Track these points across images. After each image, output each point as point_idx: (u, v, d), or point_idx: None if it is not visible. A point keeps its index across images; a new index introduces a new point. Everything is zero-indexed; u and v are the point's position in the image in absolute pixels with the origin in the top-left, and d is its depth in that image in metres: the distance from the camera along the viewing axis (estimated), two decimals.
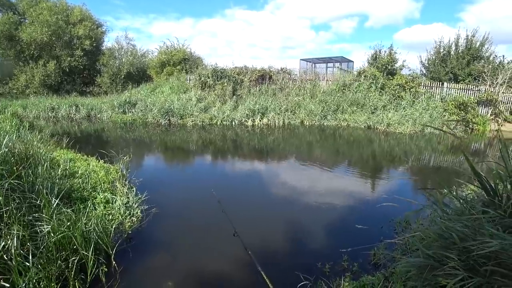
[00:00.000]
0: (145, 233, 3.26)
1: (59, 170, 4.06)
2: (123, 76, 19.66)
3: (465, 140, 11.01)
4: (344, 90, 14.48)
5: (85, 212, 2.90)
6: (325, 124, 12.75)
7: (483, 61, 15.67)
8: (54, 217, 2.59)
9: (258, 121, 12.63)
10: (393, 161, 7.58)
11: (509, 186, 2.26)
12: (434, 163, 7.61)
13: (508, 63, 14.80)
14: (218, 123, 12.31)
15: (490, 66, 14.37)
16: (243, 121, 12.59)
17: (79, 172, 4.38)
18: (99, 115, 14.06)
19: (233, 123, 12.45)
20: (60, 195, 3.03)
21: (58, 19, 18.12)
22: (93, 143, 8.72)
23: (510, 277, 1.63)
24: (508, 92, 14.19)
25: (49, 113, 14.31)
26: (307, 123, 12.82)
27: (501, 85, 13.86)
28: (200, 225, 3.56)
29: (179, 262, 2.82)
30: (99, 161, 5.37)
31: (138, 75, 20.49)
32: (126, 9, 66.52)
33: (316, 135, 10.74)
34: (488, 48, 16.11)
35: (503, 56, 15.66)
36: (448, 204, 2.77)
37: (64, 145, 6.17)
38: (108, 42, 23.84)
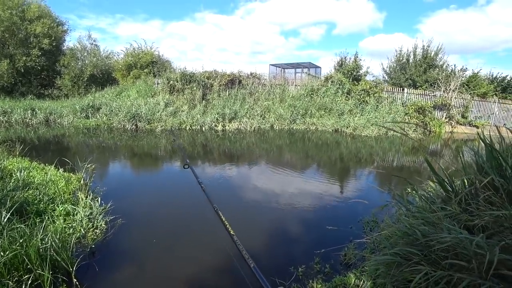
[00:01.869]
0: (110, 246, 3.06)
1: (12, 181, 3.71)
2: (86, 79, 18.52)
3: (423, 141, 11.83)
4: (312, 95, 14.91)
5: (41, 227, 2.65)
6: (294, 128, 13.02)
7: (437, 69, 17.05)
8: (5, 233, 2.34)
9: (228, 125, 12.57)
10: (360, 163, 7.92)
11: (464, 183, 2.46)
12: (397, 163, 8.07)
13: (458, 71, 16.23)
14: (188, 128, 12.05)
15: (444, 74, 15.68)
16: (213, 125, 12.46)
17: (35, 182, 4.03)
18: (59, 120, 13.11)
19: (203, 128, 12.26)
20: (13, 209, 2.75)
21: (12, 14, 16.66)
22: (52, 150, 8.10)
23: (467, 268, 1.76)
24: (460, 97, 15.54)
25: (0, 117, 13.08)
26: (277, 127, 13.00)
27: (453, 91, 15.15)
28: (169, 234, 3.42)
29: (147, 274, 2.67)
30: (58, 169, 4.98)
31: (102, 78, 19.43)
32: (91, 8, 62.73)
33: (286, 139, 10.92)
34: (441, 57, 17.59)
35: (454, 65, 17.17)
36: (411, 202, 2.95)
37: (17, 153, 5.66)
38: (70, 42, 22.34)
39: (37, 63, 17.83)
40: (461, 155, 2.49)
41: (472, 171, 2.35)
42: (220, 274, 2.66)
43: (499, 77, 18.77)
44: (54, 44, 18.45)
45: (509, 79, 18.50)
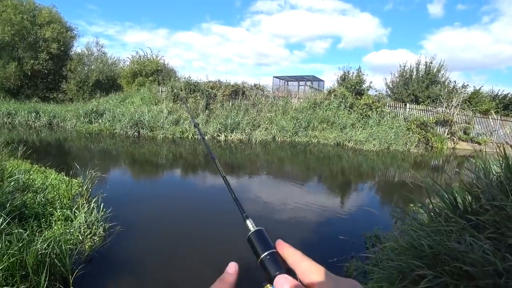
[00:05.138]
0: (109, 253, 3.01)
1: (11, 183, 3.69)
2: (91, 84, 18.77)
3: (425, 157, 11.78)
4: (315, 108, 14.98)
5: (40, 231, 2.62)
6: (296, 140, 13.02)
7: (439, 85, 17.16)
8: (3, 238, 2.31)
9: (231, 136, 12.59)
10: (361, 177, 7.87)
11: (469, 198, 2.44)
12: (399, 178, 8.02)
13: (460, 88, 16.33)
14: (190, 137, 12.08)
15: (446, 90, 15.77)
16: (215, 135, 12.48)
17: (35, 185, 4.01)
18: (62, 124, 13.19)
19: (206, 137, 12.25)
20: (13, 213, 2.73)
21: (24, 18, 17.05)
22: (54, 153, 8.10)
23: (472, 276, 1.72)
24: (462, 113, 15.58)
25: (4, 118, 13.17)
26: (279, 139, 13.01)
27: (455, 107, 15.20)
28: (168, 243, 3.37)
29: (145, 284, 2.62)
30: (59, 173, 4.97)
31: (107, 84, 19.68)
32: (101, 15, 64.31)
33: (288, 151, 10.90)
34: (443, 73, 17.73)
35: (455, 81, 17.27)
36: (414, 217, 2.91)
37: (19, 155, 5.66)
38: (78, 47, 22.65)
39: (44, 67, 18.11)
40: (463, 172, 2.48)
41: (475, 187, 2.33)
42: None
43: (501, 94, 18.86)
44: (62, 49, 18.79)
45: (510, 96, 18.59)
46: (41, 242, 2.44)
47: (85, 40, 47.03)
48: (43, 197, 3.64)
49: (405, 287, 2.01)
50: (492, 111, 15.86)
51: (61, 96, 18.78)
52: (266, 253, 0.40)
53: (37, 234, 2.71)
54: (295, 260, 0.38)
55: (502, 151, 2.48)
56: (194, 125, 1.09)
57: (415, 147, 13.13)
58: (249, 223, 0.49)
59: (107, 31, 65.73)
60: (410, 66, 18.43)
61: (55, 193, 3.92)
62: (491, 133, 15.88)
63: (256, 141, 12.36)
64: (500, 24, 59.05)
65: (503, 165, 2.42)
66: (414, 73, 18.17)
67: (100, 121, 13.04)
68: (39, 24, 17.87)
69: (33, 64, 17.70)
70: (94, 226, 3.32)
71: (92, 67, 19.50)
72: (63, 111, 14.12)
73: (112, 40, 65.52)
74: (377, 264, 2.79)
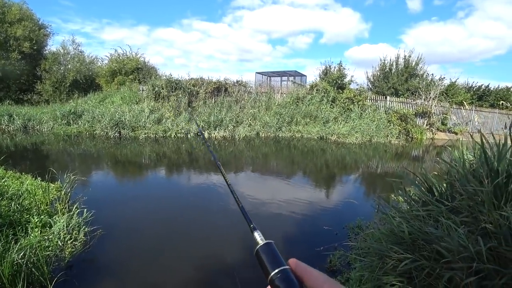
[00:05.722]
0: (90, 258, 2.93)
1: None
2: (68, 84, 18.04)
3: (406, 147, 12.17)
4: (297, 103, 15.10)
5: (15, 240, 2.52)
6: (280, 135, 13.10)
7: (418, 78, 17.71)
8: None
9: (214, 133, 12.50)
10: (345, 169, 8.03)
11: (445, 186, 2.54)
12: (381, 169, 8.24)
13: (437, 80, 16.92)
14: (173, 135, 11.88)
15: (424, 83, 16.30)
16: (198, 133, 12.35)
17: (10, 192, 3.83)
18: (38, 127, 12.63)
19: (188, 135, 12.13)
20: None
21: None
22: (30, 158, 7.77)
23: (448, 260, 1.80)
24: (439, 105, 16.16)
25: None
26: (263, 135, 13.04)
27: (433, 99, 15.74)
28: (151, 244, 3.32)
29: (128, 287, 2.57)
30: (35, 179, 4.77)
31: (85, 84, 18.98)
32: (77, 11, 61.43)
33: (272, 147, 10.95)
34: (422, 67, 18.30)
35: (433, 74, 17.87)
36: (394, 205, 3.01)
37: None
38: (53, 46, 21.61)
39: (16, 67, 17.22)
40: (441, 161, 2.58)
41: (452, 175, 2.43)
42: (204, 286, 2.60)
43: (475, 86, 19.71)
44: (35, 47, 17.93)
45: (484, 88, 19.47)
46: (16, 251, 2.34)
47: (60, 38, 45.30)
48: (18, 204, 3.49)
49: (386, 274, 2.08)
50: (465, 102, 16.55)
51: (36, 98, 17.95)
52: (277, 270, 0.35)
53: (12, 243, 2.60)
54: (317, 282, 0.33)
55: (474, 141, 2.60)
56: (199, 133, 1.08)
57: (396, 138, 13.53)
58: (257, 236, 0.44)
59: (84, 29, 63.25)
60: (390, 60, 18.91)
61: (31, 199, 3.76)
62: (466, 123, 16.59)
63: (240, 138, 12.33)
64: (474, 18, 61.59)
65: (475, 153, 2.54)
66: (394, 66, 18.64)
67: (79, 122, 12.59)
68: (9, 21, 16.93)
69: (4, 64, 16.79)
70: (75, 231, 3.22)
71: (69, 66, 18.73)
72: (38, 113, 13.51)
73: (90, 38, 63.16)
74: (359, 253, 2.87)
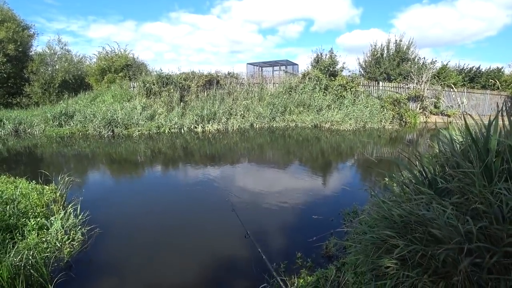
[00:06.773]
0: (89, 257, 2.95)
1: None
2: (57, 85, 17.73)
3: (400, 132, 12.27)
4: (290, 92, 15.08)
5: (12, 243, 2.52)
6: (274, 125, 13.11)
7: (410, 62, 17.73)
8: None
9: (208, 126, 12.45)
10: (340, 156, 8.09)
11: (437, 168, 2.58)
12: (376, 154, 8.32)
13: (429, 63, 16.95)
14: (166, 131, 11.83)
15: (416, 67, 16.32)
16: (192, 127, 12.31)
17: (4, 197, 3.81)
18: (29, 130, 12.46)
19: (182, 130, 12.09)
20: None
21: None
22: (24, 162, 7.69)
23: (440, 241, 1.85)
24: (431, 88, 16.25)
25: None
26: (257, 126, 13.04)
27: (425, 82, 15.81)
28: (149, 242, 3.33)
29: (127, 285, 2.60)
30: (30, 182, 4.74)
31: (75, 84, 18.67)
32: (60, 10, 59.51)
33: (267, 137, 10.97)
34: (413, 50, 18.29)
35: (424, 57, 17.91)
36: (389, 189, 3.06)
37: None
38: (38, 46, 21.14)
39: (2, 70, 16.87)
40: (433, 144, 2.61)
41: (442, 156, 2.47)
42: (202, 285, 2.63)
43: (466, 68, 19.78)
44: (20, 49, 17.54)
45: (475, 69, 19.56)
46: (14, 254, 2.35)
47: (45, 38, 44.12)
48: (13, 208, 3.47)
49: (380, 257, 2.13)
50: (453, 85, 16.66)
51: (25, 101, 17.64)
52: None
53: (10, 246, 2.61)
54: None
55: (464, 122, 2.64)
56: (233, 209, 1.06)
57: (389, 123, 13.62)
58: None
59: (69, 27, 61.49)
60: (381, 45, 18.86)
61: (26, 202, 3.75)
62: (458, 105, 16.73)
63: (234, 130, 12.32)
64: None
65: (464, 134, 2.58)
66: (385, 51, 18.61)
67: (71, 123, 12.44)
68: None
69: None
70: (72, 232, 3.23)
71: (57, 66, 18.37)
72: (29, 116, 13.30)
73: (76, 36, 61.49)
74: (353, 238, 2.92)
